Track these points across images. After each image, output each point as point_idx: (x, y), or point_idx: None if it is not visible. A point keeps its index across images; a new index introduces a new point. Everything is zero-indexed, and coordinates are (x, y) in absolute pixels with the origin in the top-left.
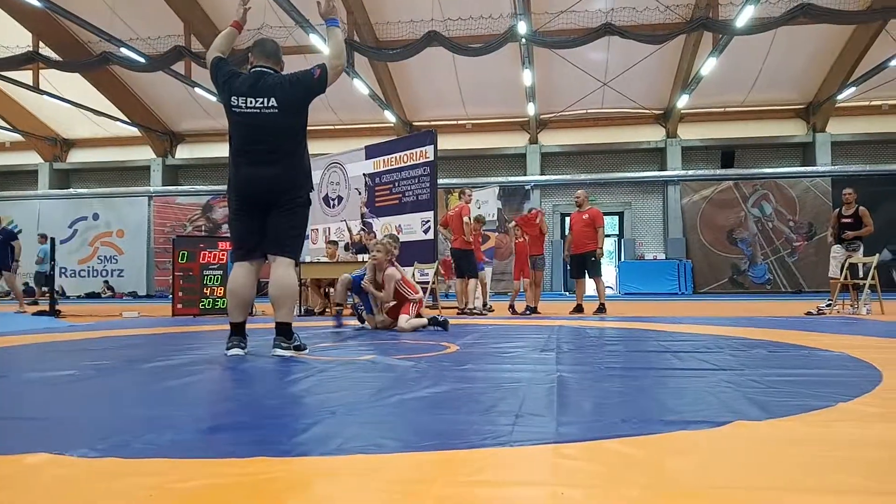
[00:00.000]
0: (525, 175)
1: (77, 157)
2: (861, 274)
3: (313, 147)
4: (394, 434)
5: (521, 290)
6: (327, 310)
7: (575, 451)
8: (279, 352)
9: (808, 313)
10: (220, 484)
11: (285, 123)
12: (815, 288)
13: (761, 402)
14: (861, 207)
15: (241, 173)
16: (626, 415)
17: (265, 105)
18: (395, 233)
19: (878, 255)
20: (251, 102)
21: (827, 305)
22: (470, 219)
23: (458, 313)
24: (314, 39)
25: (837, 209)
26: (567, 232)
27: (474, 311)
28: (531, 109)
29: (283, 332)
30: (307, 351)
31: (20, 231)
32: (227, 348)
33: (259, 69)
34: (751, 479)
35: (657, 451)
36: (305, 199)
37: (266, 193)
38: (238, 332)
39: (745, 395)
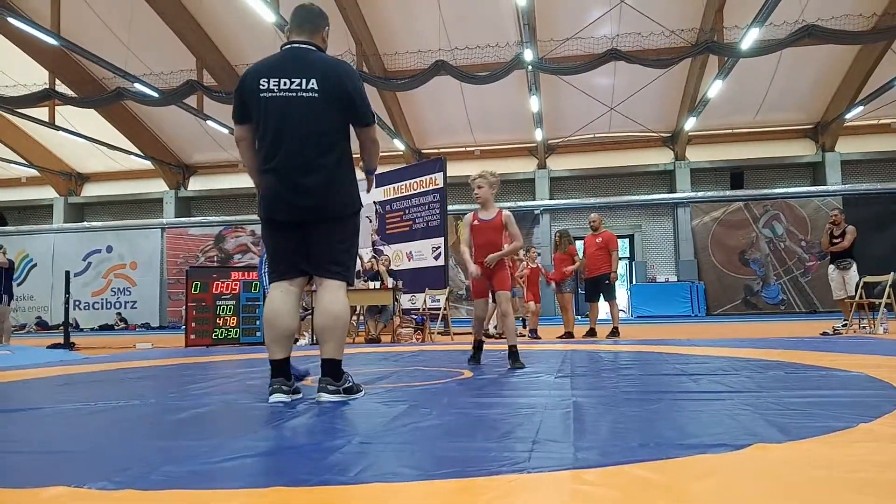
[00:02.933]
0: (534, 200)
1: (91, 190)
2: (874, 293)
3: None
4: (411, 462)
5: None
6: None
7: (594, 476)
8: (325, 397)
9: (825, 333)
10: None
11: (329, 114)
12: (830, 307)
13: (780, 424)
14: (849, 227)
15: (271, 187)
16: (645, 439)
17: (303, 87)
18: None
19: (893, 273)
20: (284, 84)
21: (843, 325)
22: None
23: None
24: None
25: (829, 230)
26: (581, 255)
27: (501, 335)
28: (539, 135)
29: (331, 371)
30: (362, 394)
31: (35, 265)
32: (269, 393)
33: (294, 45)
34: (773, 502)
35: (677, 476)
36: (355, 208)
37: (303, 213)
38: (280, 373)
39: (764, 418)
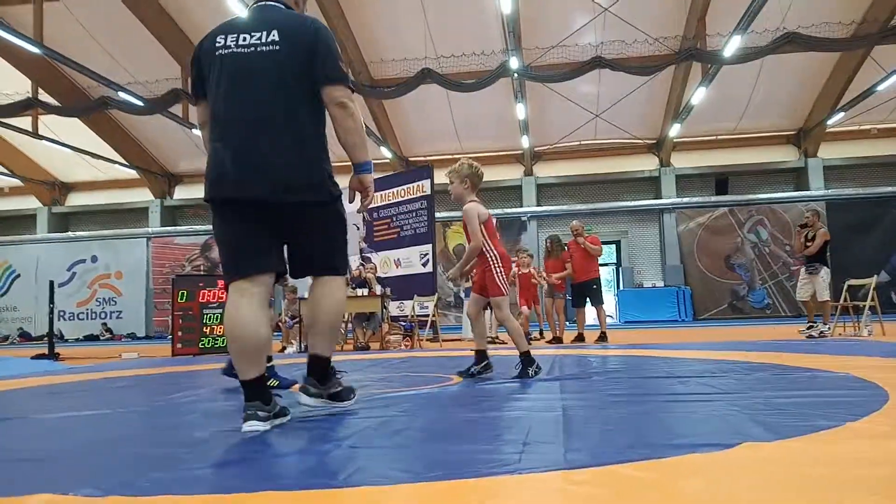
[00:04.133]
0: (521, 206)
1: (75, 200)
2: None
3: None
4: (400, 465)
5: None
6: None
7: (585, 476)
8: (305, 399)
9: (810, 336)
10: None
11: (293, 69)
12: (816, 311)
13: (769, 423)
14: (820, 230)
15: (217, 158)
16: (634, 440)
17: (263, 40)
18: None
19: (875, 276)
20: (244, 39)
21: (809, 328)
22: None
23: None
24: None
25: (803, 233)
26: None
27: (496, 339)
28: (525, 142)
29: (318, 370)
30: (353, 401)
31: (18, 276)
32: (243, 420)
33: (260, 4)
34: (763, 499)
35: (667, 475)
36: (332, 190)
37: (263, 188)
38: (255, 395)
39: (753, 418)
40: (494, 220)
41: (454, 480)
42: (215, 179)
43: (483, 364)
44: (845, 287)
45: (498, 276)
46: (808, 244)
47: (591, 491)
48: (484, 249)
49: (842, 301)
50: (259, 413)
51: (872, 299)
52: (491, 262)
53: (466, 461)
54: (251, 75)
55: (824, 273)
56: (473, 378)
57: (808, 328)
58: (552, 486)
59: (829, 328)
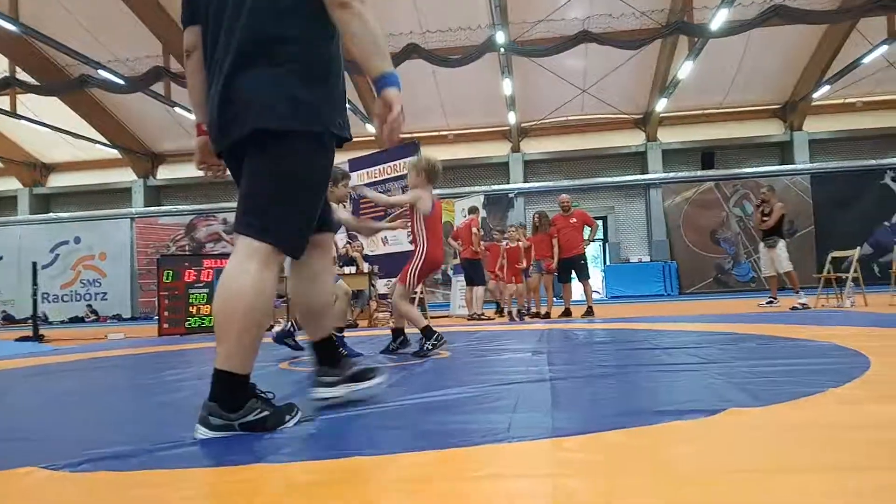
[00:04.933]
0: (508, 183)
1: (57, 181)
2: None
3: None
4: (391, 437)
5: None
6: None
7: (574, 444)
8: (324, 393)
9: (794, 308)
10: (219, 491)
11: None
12: (800, 284)
13: (753, 390)
14: (777, 204)
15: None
16: (622, 408)
17: None
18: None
19: (858, 248)
20: None
21: (768, 302)
22: (479, 230)
23: (468, 319)
24: None
25: (760, 208)
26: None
27: (482, 316)
28: (512, 118)
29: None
30: (379, 380)
31: (0, 258)
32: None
33: None
34: (747, 462)
35: (655, 441)
36: (300, 123)
37: (229, 129)
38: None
39: (737, 386)
40: (443, 222)
41: (445, 450)
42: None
43: (399, 340)
44: (829, 259)
45: (413, 271)
46: (766, 219)
47: (581, 457)
48: (417, 241)
49: (825, 273)
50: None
51: (855, 271)
52: (417, 256)
53: (457, 432)
54: None
55: (781, 245)
56: (392, 353)
57: (768, 302)
58: (543, 453)
59: (773, 300)
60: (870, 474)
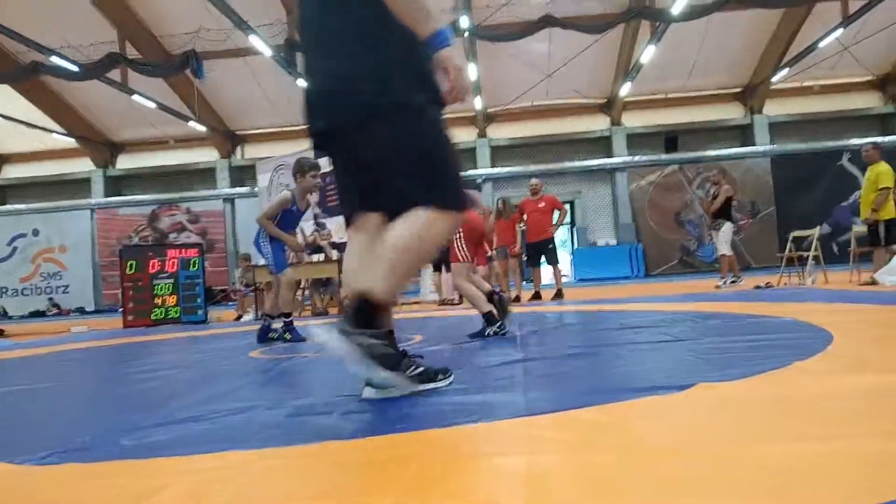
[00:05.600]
0: (476, 168)
1: (12, 172)
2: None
3: (259, 150)
4: (364, 420)
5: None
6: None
7: (546, 421)
8: (369, 394)
9: (758, 287)
10: (192, 479)
11: None
12: (762, 264)
13: (721, 366)
14: (724, 187)
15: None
16: (592, 387)
17: None
18: None
19: (818, 228)
20: None
21: (724, 281)
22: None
23: (438, 305)
24: (253, 41)
25: (710, 191)
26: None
27: (453, 301)
28: (478, 103)
29: (377, 351)
30: (446, 381)
31: None
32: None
33: None
34: (717, 434)
35: (625, 417)
36: (407, 102)
37: (319, 120)
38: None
39: (706, 361)
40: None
41: (420, 431)
42: (304, 104)
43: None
44: (790, 238)
45: (460, 246)
46: (713, 202)
47: (554, 435)
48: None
49: (787, 252)
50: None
51: (816, 250)
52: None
53: (430, 413)
54: None
55: (726, 228)
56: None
57: (732, 282)
58: (515, 432)
59: (737, 278)
60: (839, 443)
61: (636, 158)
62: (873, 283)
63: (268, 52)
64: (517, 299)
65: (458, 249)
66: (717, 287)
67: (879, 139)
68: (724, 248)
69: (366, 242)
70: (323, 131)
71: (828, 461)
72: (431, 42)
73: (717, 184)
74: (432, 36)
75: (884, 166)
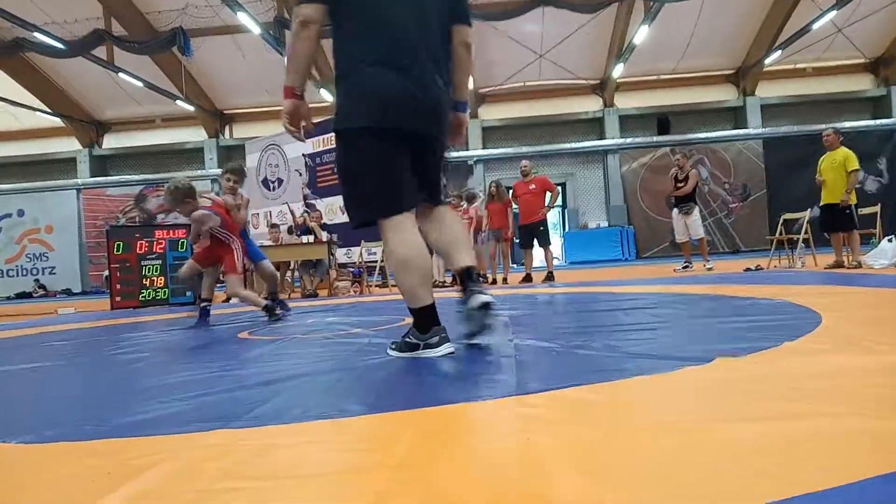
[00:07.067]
0: (467, 150)
1: None
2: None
3: (247, 130)
4: (357, 399)
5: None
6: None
7: (538, 400)
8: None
9: (748, 269)
10: (185, 457)
11: (445, 2)
12: (753, 247)
13: (711, 347)
14: (692, 171)
15: (398, 86)
16: (583, 367)
17: None
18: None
19: (809, 210)
20: None
21: (684, 267)
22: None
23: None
24: (242, 18)
25: (674, 174)
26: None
27: (444, 283)
28: (469, 84)
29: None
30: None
31: None
32: (437, 345)
33: None
34: (705, 412)
35: (617, 395)
36: None
37: (432, 123)
38: (434, 320)
39: (695, 343)
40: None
41: (412, 410)
42: (398, 109)
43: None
44: (781, 221)
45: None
46: (680, 185)
47: (545, 413)
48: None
49: (777, 234)
50: (446, 335)
51: (806, 232)
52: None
53: (423, 392)
54: (423, 2)
55: (697, 212)
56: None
57: (684, 267)
58: (507, 410)
59: (688, 263)
60: (829, 420)
61: (628, 140)
62: (859, 266)
63: (256, 29)
64: (504, 281)
65: (237, 261)
66: (710, 269)
67: (871, 122)
68: (700, 231)
69: (435, 227)
70: (432, 135)
71: (813, 438)
72: (466, 104)
73: (682, 167)
74: (466, 100)
75: (847, 150)
